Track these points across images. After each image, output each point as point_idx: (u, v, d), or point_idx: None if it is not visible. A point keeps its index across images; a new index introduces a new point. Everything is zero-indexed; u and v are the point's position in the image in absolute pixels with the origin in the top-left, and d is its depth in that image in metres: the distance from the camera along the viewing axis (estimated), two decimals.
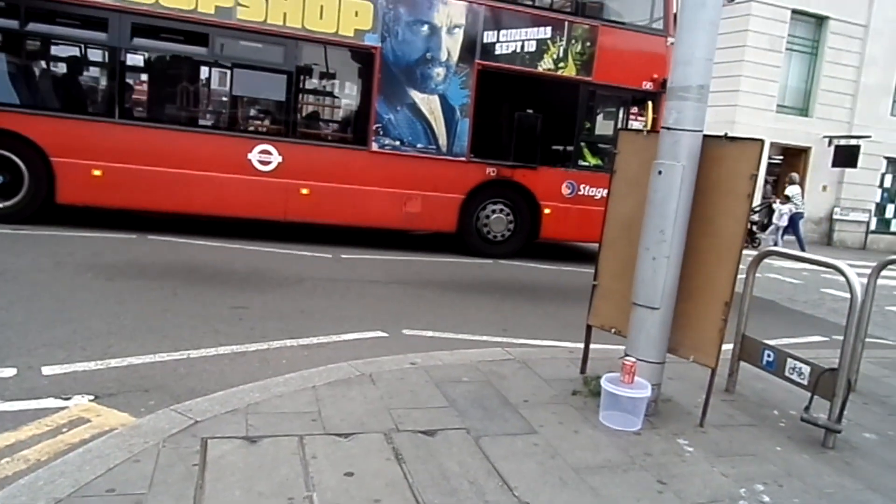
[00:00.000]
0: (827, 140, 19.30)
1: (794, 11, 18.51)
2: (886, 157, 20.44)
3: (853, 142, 18.76)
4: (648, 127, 8.97)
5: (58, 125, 7.69)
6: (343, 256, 8.04)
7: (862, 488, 3.05)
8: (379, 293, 6.45)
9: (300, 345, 4.55)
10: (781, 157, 19.85)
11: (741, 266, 3.39)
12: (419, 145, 8.81)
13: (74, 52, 8.32)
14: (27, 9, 7.45)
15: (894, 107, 20.38)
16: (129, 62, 8.08)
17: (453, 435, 3.07)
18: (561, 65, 9.12)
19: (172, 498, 2.32)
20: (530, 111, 9.19)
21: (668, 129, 3.43)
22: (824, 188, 19.80)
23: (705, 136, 3.44)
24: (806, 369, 3.62)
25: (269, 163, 8.30)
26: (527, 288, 7.71)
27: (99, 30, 7.73)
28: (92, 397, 3.34)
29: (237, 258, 7.22)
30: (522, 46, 8.94)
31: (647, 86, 9.27)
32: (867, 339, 4.55)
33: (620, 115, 9.85)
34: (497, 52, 8.88)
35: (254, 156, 8.24)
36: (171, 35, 8.04)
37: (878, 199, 20.81)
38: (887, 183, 20.97)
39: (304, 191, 8.42)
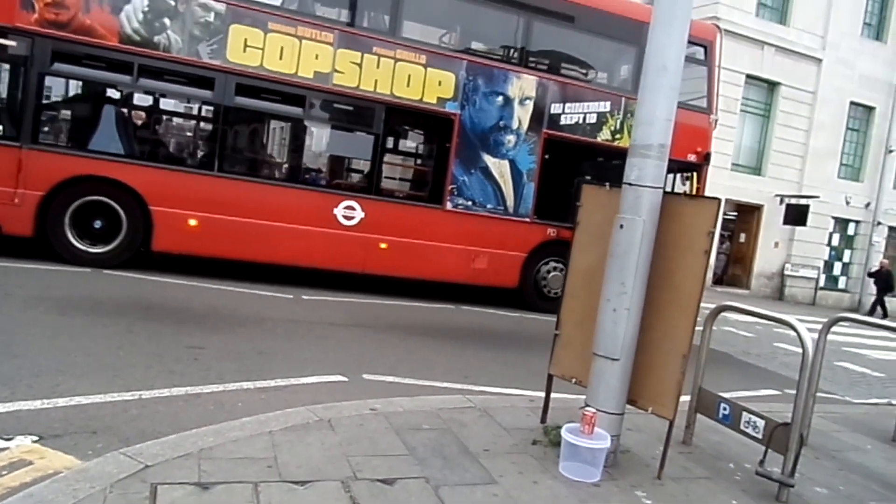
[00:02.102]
0: (779, 199, 20.10)
1: (749, 76, 19.49)
2: (834, 217, 21.38)
3: (803, 201, 19.60)
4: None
5: (159, 175, 8.00)
6: (304, 297, 7.95)
7: None
8: (340, 336, 6.38)
9: (257, 387, 4.45)
10: (736, 214, 20.56)
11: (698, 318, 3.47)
12: (489, 206, 9.33)
13: (179, 107, 9.00)
14: (140, 66, 7.73)
15: (841, 169, 21.42)
16: (229, 120, 8.40)
17: (412, 484, 3.02)
18: (618, 136, 9.67)
19: None
20: (588, 177, 9.67)
21: (630, 184, 3.55)
22: (776, 245, 20.55)
23: (665, 192, 3.56)
24: (760, 423, 3.69)
25: (352, 218, 8.68)
26: (488, 334, 7.73)
27: (205, 87, 8.12)
28: (36, 438, 3.20)
29: (195, 296, 7.08)
30: (584, 118, 9.60)
31: (692, 157, 9.95)
32: (817, 394, 4.67)
33: (667, 183, 10.26)
34: (562, 123, 9.54)
35: (339, 211, 8.63)
36: (270, 96, 8.42)
37: (826, 257, 21.68)
38: (835, 242, 21.87)
39: (383, 245, 8.83)
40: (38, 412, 3.52)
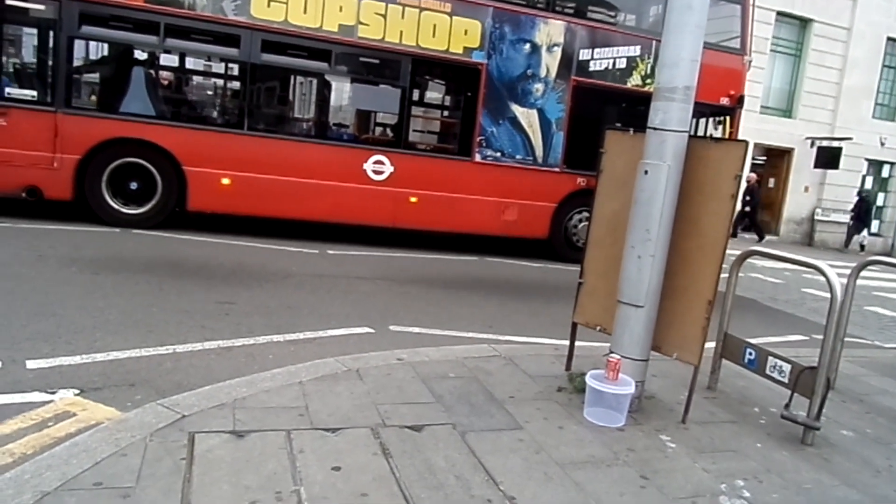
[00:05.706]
0: (809, 141, 19.53)
1: (779, 13, 18.71)
2: (867, 159, 20.73)
3: (835, 143, 19.01)
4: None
5: (191, 136, 8.09)
6: (330, 252, 8.03)
7: (839, 484, 3.12)
8: (365, 289, 6.45)
9: (287, 340, 4.55)
10: (765, 158, 20.08)
11: (724, 265, 3.44)
12: (518, 156, 9.24)
13: (208, 67, 9.09)
14: (166, 25, 7.72)
15: (876, 109, 20.68)
16: (257, 77, 8.40)
17: (440, 430, 3.10)
18: (648, 81, 9.40)
19: (160, 492, 2.33)
20: (618, 125, 9.42)
21: (654, 129, 3.48)
22: (806, 189, 20.06)
23: (691, 136, 3.49)
24: (786, 367, 3.68)
25: (382, 172, 8.71)
26: (512, 285, 7.76)
27: (232, 45, 8.11)
28: (77, 391, 3.33)
29: (222, 253, 7.20)
30: (614, 64, 9.39)
31: (724, 101, 9.70)
32: (846, 339, 4.64)
33: (699, 128, 10.19)
34: (591, 69, 9.34)
35: (368, 166, 8.67)
36: (296, 51, 8.40)
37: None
38: (868, 184, 21.26)
39: (413, 199, 8.86)
40: (78, 367, 3.65)
